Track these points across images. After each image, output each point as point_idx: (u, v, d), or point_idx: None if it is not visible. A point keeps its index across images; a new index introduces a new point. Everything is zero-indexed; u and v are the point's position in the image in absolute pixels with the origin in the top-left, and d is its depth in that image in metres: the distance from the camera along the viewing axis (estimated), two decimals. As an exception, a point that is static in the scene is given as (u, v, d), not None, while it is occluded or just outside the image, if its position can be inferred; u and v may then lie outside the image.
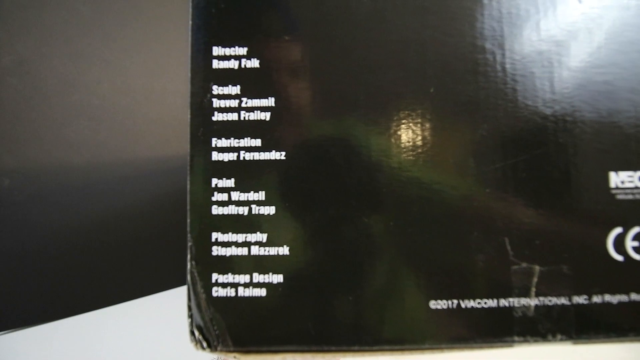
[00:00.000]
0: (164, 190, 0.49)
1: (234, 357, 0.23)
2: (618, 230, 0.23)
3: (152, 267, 0.45)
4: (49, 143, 0.46)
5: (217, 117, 0.24)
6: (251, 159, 0.24)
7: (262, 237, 0.23)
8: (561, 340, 0.23)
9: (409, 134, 0.24)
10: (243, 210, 0.24)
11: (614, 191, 0.24)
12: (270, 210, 0.24)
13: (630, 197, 0.24)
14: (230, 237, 0.23)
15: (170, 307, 0.39)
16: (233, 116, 0.24)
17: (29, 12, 0.46)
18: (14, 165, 0.44)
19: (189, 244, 0.23)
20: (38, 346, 0.37)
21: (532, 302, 0.23)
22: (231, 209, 0.24)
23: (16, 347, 0.37)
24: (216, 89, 0.24)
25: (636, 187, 0.24)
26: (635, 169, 0.24)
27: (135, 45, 0.49)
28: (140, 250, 0.47)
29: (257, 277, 0.23)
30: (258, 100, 0.24)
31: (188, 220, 0.24)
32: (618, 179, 0.24)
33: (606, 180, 0.24)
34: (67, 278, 0.44)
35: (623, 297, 0.23)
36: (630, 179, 0.24)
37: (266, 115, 0.24)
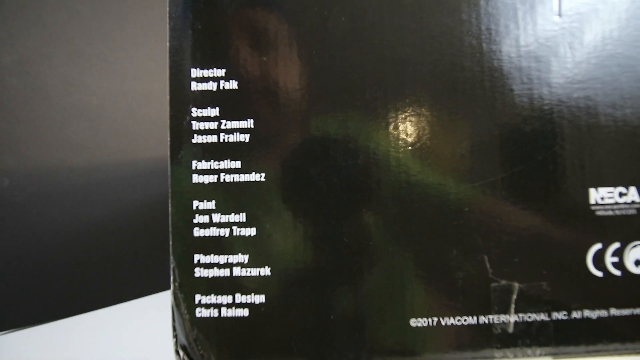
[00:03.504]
0: (164, 190, 0.49)
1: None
2: (597, 246, 0.23)
3: (153, 267, 0.46)
4: (49, 143, 0.46)
5: (197, 139, 0.24)
6: (231, 181, 0.24)
7: (244, 258, 0.24)
8: (541, 355, 0.23)
9: (387, 154, 0.24)
10: (224, 232, 0.24)
11: (593, 207, 0.24)
12: (251, 231, 0.24)
13: (610, 213, 0.24)
14: (212, 258, 0.24)
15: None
16: (213, 138, 0.24)
17: (29, 12, 0.46)
18: (14, 165, 0.44)
19: (172, 265, 0.24)
20: (38, 346, 0.37)
21: (512, 318, 0.23)
22: (212, 231, 0.24)
23: (16, 347, 0.37)
24: (195, 111, 0.24)
25: (616, 203, 0.24)
26: (615, 185, 0.24)
27: (135, 46, 0.49)
28: (140, 250, 0.47)
29: (240, 298, 0.24)
30: (237, 122, 0.24)
31: (170, 242, 0.24)
32: (598, 195, 0.24)
33: (586, 196, 0.24)
34: (67, 278, 0.45)
35: (602, 313, 0.23)
36: (610, 195, 0.24)
37: (245, 137, 0.24)
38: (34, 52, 0.45)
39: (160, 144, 0.49)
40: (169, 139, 0.24)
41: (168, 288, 0.43)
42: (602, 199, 0.24)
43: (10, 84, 0.45)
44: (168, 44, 0.24)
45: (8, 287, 0.43)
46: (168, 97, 0.24)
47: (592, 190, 0.24)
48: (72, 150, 0.46)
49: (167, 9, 0.24)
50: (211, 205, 0.24)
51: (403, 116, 0.24)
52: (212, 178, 0.24)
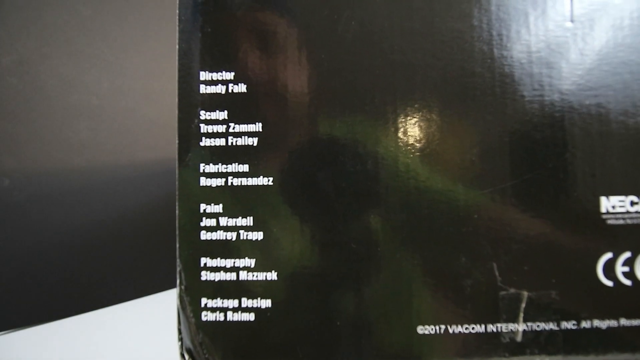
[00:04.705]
0: (164, 190, 0.49)
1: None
2: (608, 255, 0.23)
3: (153, 267, 0.46)
4: (49, 143, 0.46)
5: (205, 142, 0.24)
6: (239, 184, 0.24)
7: (250, 262, 0.24)
8: (549, 365, 0.23)
9: (396, 160, 0.24)
10: (231, 236, 0.24)
11: (604, 216, 0.23)
12: (258, 235, 0.24)
13: (621, 222, 0.23)
14: (218, 262, 0.24)
15: (172, 305, 0.40)
16: (221, 141, 0.24)
17: (29, 12, 0.45)
18: (14, 165, 0.44)
19: (178, 268, 0.24)
20: (38, 346, 0.37)
21: (520, 327, 0.23)
22: (219, 235, 0.24)
23: (16, 347, 0.37)
24: (204, 114, 0.24)
25: (627, 212, 0.23)
26: (626, 194, 0.23)
27: (135, 46, 0.49)
28: (140, 250, 0.47)
29: (246, 302, 0.23)
30: (245, 125, 0.24)
31: (177, 245, 0.24)
32: (609, 204, 0.23)
33: (597, 205, 0.23)
34: (66, 278, 0.45)
35: (612, 323, 0.23)
36: (621, 204, 0.23)
37: (253, 141, 0.24)
38: (34, 52, 0.45)
39: (160, 145, 0.49)
40: (177, 141, 0.24)
41: (168, 288, 0.43)
42: (614, 207, 0.23)
43: (10, 84, 0.44)
44: (177, 46, 0.24)
45: (8, 287, 0.43)
46: (173, 98, 0.24)
47: (603, 199, 0.23)
48: (72, 151, 0.46)
49: (177, 11, 0.24)
50: (218, 208, 0.24)
51: (412, 121, 0.24)
52: (219, 181, 0.24)
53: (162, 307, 0.41)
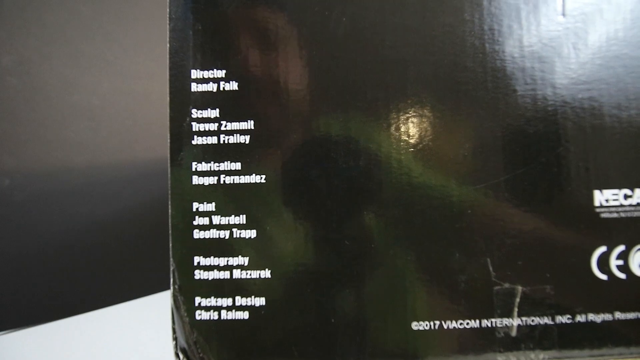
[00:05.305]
0: (164, 191, 0.49)
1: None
2: (602, 249, 0.23)
3: (153, 268, 0.46)
4: (49, 143, 0.46)
5: (197, 141, 0.24)
6: (231, 182, 0.24)
7: (244, 260, 0.24)
8: (544, 359, 0.23)
9: (389, 156, 0.24)
10: (224, 234, 0.24)
11: (598, 210, 0.23)
12: (251, 233, 0.24)
13: (615, 215, 0.23)
14: (212, 261, 0.24)
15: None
16: (213, 140, 0.24)
17: (29, 12, 0.45)
18: (14, 165, 0.44)
19: (172, 267, 0.24)
20: (38, 346, 0.37)
21: (515, 322, 0.23)
22: (212, 233, 0.24)
23: (16, 347, 0.37)
24: (195, 113, 0.24)
25: (621, 205, 0.23)
26: (620, 187, 0.23)
27: (135, 46, 0.49)
28: (140, 250, 0.47)
29: (240, 301, 0.23)
30: (237, 123, 0.24)
31: (170, 245, 0.24)
32: (602, 198, 0.23)
33: (590, 198, 0.23)
34: (66, 278, 0.45)
35: (607, 316, 0.23)
36: (615, 197, 0.23)
37: (245, 139, 0.24)
38: (34, 52, 0.45)
39: (160, 145, 0.49)
40: (168, 140, 0.24)
41: (167, 288, 0.43)
42: (607, 201, 0.23)
43: (10, 84, 0.44)
44: (168, 45, 0.24)
45: (8, 287, 0.43)
46: (168, 98, 0.24)
47: (596, 192, 0.23)
48: (72, 150, 0.46)
49: (168, 9, 0.24)
50: (211, 207, 0.24)
51: (405, 117, 0.24)
52: (212, 180, 0.24)
53: (162, 307, 0.41)
